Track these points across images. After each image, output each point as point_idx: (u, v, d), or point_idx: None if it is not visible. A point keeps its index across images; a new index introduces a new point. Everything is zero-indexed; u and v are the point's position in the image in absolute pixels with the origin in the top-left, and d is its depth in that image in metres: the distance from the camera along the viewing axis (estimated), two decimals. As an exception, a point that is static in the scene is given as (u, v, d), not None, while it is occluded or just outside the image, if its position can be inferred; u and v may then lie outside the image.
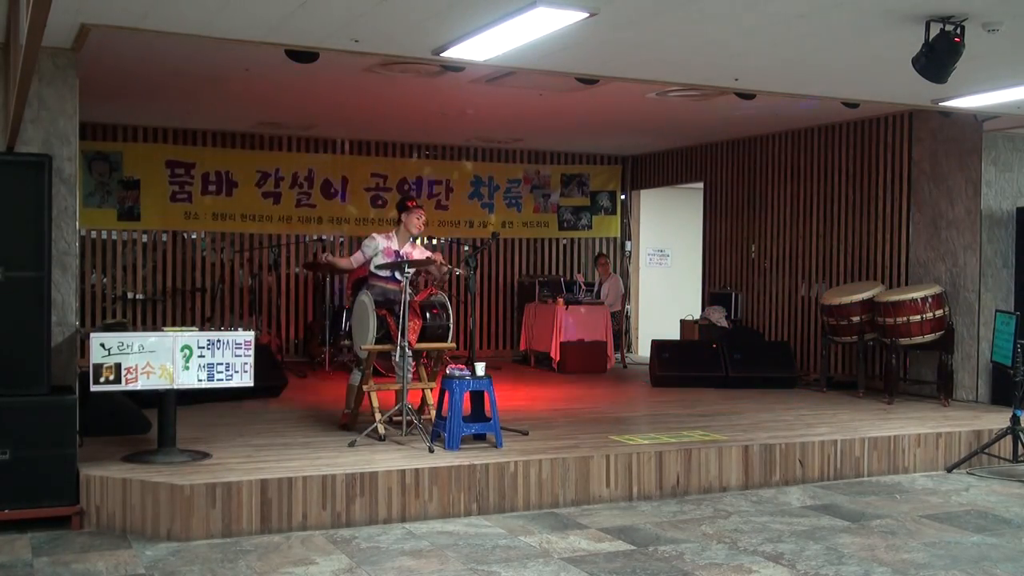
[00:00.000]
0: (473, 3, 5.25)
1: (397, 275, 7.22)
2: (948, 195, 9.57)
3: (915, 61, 5.63)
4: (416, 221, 7.45)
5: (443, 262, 7.65)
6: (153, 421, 6.67)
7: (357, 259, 7.57)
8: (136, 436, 6.87)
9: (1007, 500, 6.64)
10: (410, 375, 6.85)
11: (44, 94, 6.01)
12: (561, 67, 6.93)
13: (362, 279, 8.60)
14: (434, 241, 13.38)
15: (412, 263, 7.03)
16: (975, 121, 9.16)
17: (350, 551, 5.28)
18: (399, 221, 7.49)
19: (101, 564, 5.01)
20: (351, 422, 7.28)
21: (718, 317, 12.02)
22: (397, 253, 7.38)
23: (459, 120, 11.18)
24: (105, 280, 11.75)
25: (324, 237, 12.60)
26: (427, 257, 7.42)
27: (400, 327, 6.73)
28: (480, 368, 6.75)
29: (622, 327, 13.03)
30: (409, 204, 7.54)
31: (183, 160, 11.91)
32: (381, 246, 7.39)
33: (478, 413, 6.90)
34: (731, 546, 5.47)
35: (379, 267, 7.30)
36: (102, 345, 5.79)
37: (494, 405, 6.74)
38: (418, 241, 7.71)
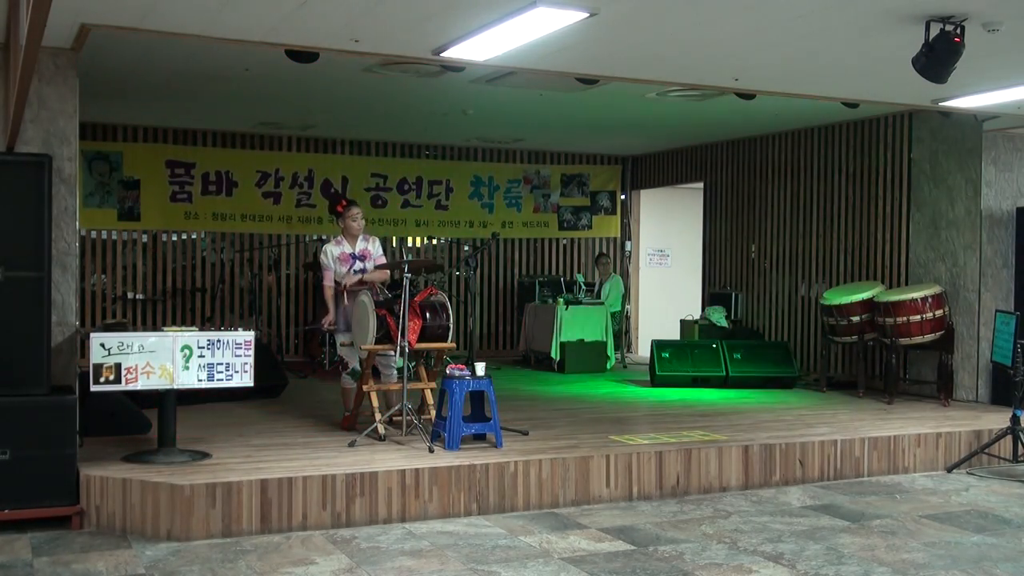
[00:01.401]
0: (473, 3, 5.25)
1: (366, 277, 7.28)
2: (948, 195, 9.57)
3: (915, 61, 5.63)
4: (352, 223, 7.40)
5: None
6: (153, 421, 6.68)
7: (330, 276, 7.38)
8: (136, 436, 6.87)
9: (1007, 500, 6.64)
10: (393, 375, 6.84)
11: (44, 94, 6.02)
12: (561, 67, 6.93)
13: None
14: (434, 241, 13.39)
15: (412, 263, 7.04)
16: (975, 121, 9.16)
17: (350, 551, 5.28)
18: (341, 227, 7.46)
19: (101, 564, 5.01)
20: (352, 424, 7.28)
21: (718, 317, 12.02)
22: (353, 256, 7.37)
23: (459, 120, 11.18)
24: (105, 279, 11.75)
25: (324, 237, 12.60)
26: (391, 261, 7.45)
27: (400, 327, 6.73)
28: (480, 368, 6.75)
29: (622, 327, 13.03)
30: (339, 209, 7.47)
31: (183, 160, 11.91)
32: (336, 253, 7.37)
33: (478, 413, 6.90)
34: (731, 546, 5.47)
35: (379, 267, 7.30)
36: (102, 345, 5.79)
37: (494, 405, 6.74)
38: (371, 238, 7.56)
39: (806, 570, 5.05)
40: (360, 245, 7.43)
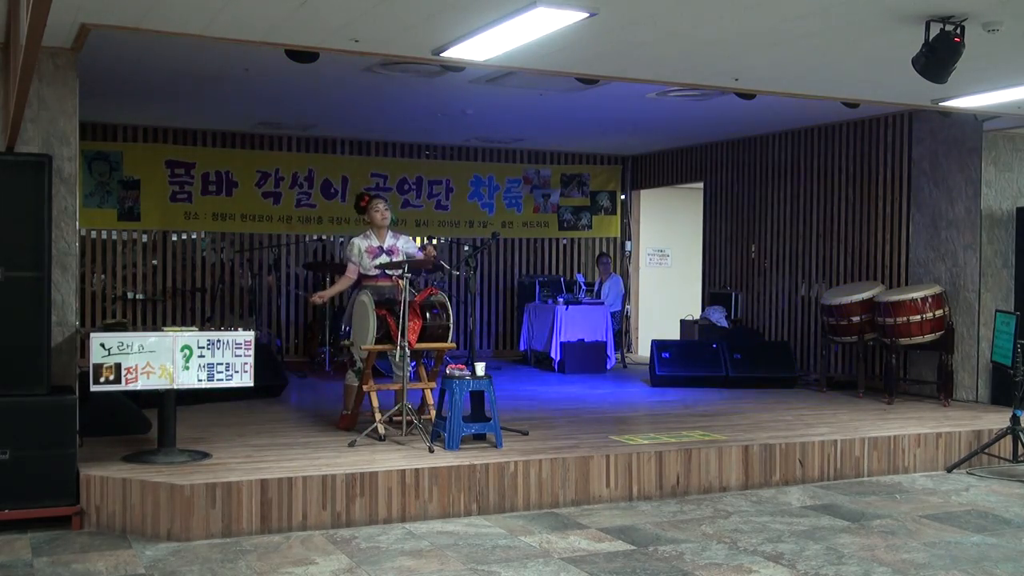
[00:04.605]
0: (473, 3, 5.25)
1: (387, 271, 7.24)
2: (948, 195, 9.57)
3: (915, 61, 5.63)
4: (377, 215, 7.41)
5: (434, 256, 7.49)
6: (153, 421, 6.68)
7: (352, 270, 7.41)
8: (136, 436, 6.87)
9: (1007, 500, 6.64)
10: (401, 374, 6.84)
11: (44, 94, 6.01)
12: (561, 67, 6.92)
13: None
14: (434, 241, 13.39)
15: (413, 263, 7.03)
16: (975, 121, 9.16)
17: (350, 551, 5.28)
18: (367, 221, 7.47)
19: (101, 564, 5.01)
20: (351, 424, 7.28)
21: (718, 317, 12.02)
22: (380, 249, 7.37)
23: (459, 120, 11.18)
24: (104, 279, 11.75)
25: (324, 237, 12.61)
26: (423, 256, 7.38)
27: (400, 327, 6.72)
28: (480, 368, 6.75)
29: (622, 327, 13.04)
30: (362, 204, 7.48)
31: (183, 160, 11.91)
32: (363, 246, 7.37)
33: (478, 413, 6.90)
34: (731, 546, 5.47)
35: (381, 266, 7.29)
36: (102, 345, 5.78)
37: (494, 405, 6.74)
38: (402, 236, 7.60)
39: (806, 570, 5.05)
40: (389, 241, 7.44)
